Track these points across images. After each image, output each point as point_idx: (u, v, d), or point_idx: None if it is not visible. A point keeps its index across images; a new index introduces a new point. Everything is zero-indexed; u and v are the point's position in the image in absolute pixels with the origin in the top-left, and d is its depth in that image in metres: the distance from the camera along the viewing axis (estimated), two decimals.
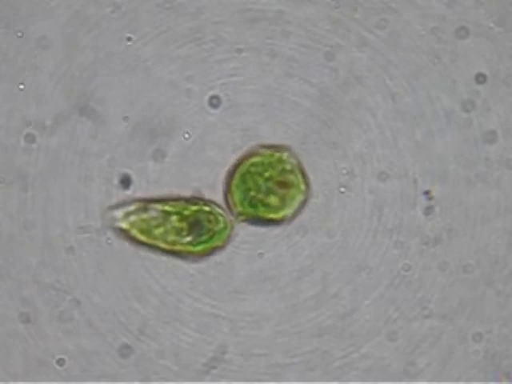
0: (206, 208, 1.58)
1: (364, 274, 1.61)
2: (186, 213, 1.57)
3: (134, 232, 1.57)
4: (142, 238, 1.58)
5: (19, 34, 1.61)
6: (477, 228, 1.61)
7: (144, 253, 1.60)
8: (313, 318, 1.62)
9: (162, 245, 1.58)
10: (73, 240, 1.61)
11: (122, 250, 1.61)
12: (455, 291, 1.61)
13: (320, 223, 1.61)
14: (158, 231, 1.58)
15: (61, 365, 1.61)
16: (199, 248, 1.58)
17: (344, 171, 1.60)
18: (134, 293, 1.61)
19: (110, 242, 1.60)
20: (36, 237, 1.61)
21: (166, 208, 1.57)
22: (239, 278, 1.62)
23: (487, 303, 1.61)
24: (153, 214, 1.57)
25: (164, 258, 1.61)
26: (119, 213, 1.58)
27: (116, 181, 1.60)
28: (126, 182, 1.60)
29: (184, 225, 1.57)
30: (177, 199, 1.59)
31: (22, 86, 1.61)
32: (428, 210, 1.61)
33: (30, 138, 1.60)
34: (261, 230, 1.61)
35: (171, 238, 1.57)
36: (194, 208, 1.58)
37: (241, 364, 1.61)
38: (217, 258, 1.61)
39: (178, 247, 1.58)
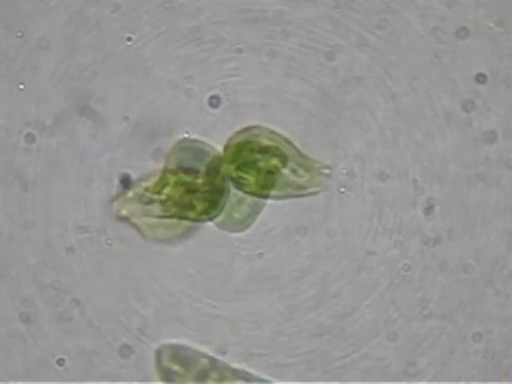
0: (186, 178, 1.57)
1: (364, 274, 1.61)
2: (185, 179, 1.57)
3: (134, 220, 1.58)
4: (141, 223, 1.58)
5: (19, 34, 1.61)
6: (477, 228, 1.61)
7: (144, 252, 1.61)
8: (313, 318, 1.62)
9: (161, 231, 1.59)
10: (73, 240, 1.61)
11: (122, 250, 1.61)
12: (455, 291, 1.61)
13: (320, 223, 1.61)
14: (155, 220, 1.58)
15: (61, 365, 1.61)
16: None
17: (344, 171, 1.60)
18: (134, 293, 1.61)
19: (109, 242, 1.61)
20: (36, 237, 1.61)
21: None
22: (239, 278, 1.62)
23: (487, 303, 1.61)
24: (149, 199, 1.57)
25: (164, 258, 1.61)
26: (119, 202, 1.58)
27: (116, 181, 1.60)
28: (125, 181, 1.60)
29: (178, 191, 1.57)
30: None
31: (21, 86, 1.61)
32: (428, 210, 1.61)
33: (30, 138, 1.60)
34: (260, 230, 1.61)
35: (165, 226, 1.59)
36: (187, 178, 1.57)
37: (241, 364, 1.61)
38: (217, 257, 1.61)
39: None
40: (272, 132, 1.57)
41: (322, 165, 1.57)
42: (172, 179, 1.55)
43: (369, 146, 1.61)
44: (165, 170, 1.56)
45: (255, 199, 1.58)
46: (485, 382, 1.61)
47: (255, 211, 1.59)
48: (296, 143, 1.58)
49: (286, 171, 1.55)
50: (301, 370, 1.62)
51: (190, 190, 1.55)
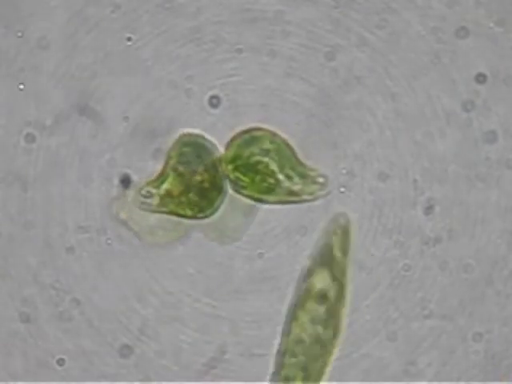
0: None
1: (364, 274, 1.61)
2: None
3: (133, 225, 1.58)
4: (140, 227, 1.58)
5: (19, 34, 1.61)
6: (477, 228, 1.61)
7: (144, 252, 1.61)
8: None
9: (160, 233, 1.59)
10: (73, 240, 1.61)
11: (122, 250, 1.61)
12: (455, 291, 1.61)
13: (320, 223, 1.61)
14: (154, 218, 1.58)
15: (61, 365, 1.61)
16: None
17: (344, 171, 1.60)
18: (134, 293, 1.61)
19: (109, 242, 1.61)
20: (36, 237, 1.61)
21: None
22: (239, 278, 1.62)
23: (487, 303, 1.61)
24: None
25: (164, 258, 1.61)
26: (119, 204, 1.58)
27: (116, 181, 1.60)
28: (125, 181, 1.60)
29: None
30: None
31: (21, 86, 1.61)
32: (428, 210, 1.61)
33: (30, 138, 1.60)
34: (260, 230, 1.61)
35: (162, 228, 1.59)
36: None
37: (241, 364, 1.61)
38: (217, 257, 1.61)
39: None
40: (274, 134, 1.57)
41: (318, 173, 1.57)
42: (171, 175, 1.55)
43: (369, 146, 1.61)
44: (165, 166, 1.56)
45: (247, 209, 1.59)
46: (485, 382, 1.61)
47: (248, 220, 1.59)
48: (296, 143, 1.58)
49: (281, 177, 1.55)
50: None
51: (189, 187, 1.55)
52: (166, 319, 1.62)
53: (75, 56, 1.61)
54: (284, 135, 1.58)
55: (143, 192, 1.55)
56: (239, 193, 1.57)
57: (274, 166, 1.55)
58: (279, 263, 1.62)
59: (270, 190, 1.56)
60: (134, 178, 1.60)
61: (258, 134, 1.57)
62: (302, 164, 1.57)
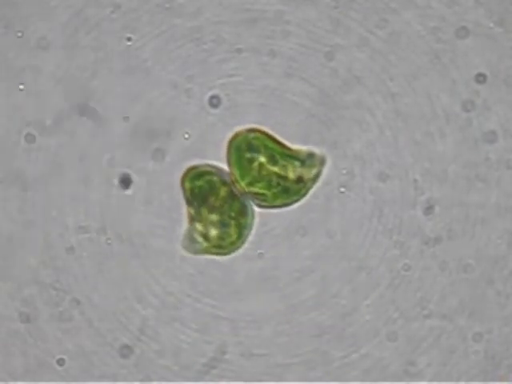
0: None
1: (364, 274, 1.61)
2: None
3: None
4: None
5: (19, 34, 1.61)
6: (477, 228, 1.61)
7: (144, 252, 1.61)
8: (313, 318, 1.62)
9: None
10: (73, 240, 1.61)
11: (122, 250, 1.61)
12: (455, 291, 1.61)
13: (320, 223, 1.61)
14: None
15: (61, 365, 1.61)
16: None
17: (344, 171, 1.60)
18: (134, 293, 1.62)
19: (109, 242, 1.61)
20: (36, 237, 1.61)
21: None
22: (239, 278, 1.62)
23: (487, 303, 1.61)
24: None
25: (164, 258, 1.61)
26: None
27: (116, 181, 1.60)
28: (125, 181, 1.60)
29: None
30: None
31: (21, 86, 1.61)
32: (428, 210, 1.61)
33: (30, 138, 1.60)
34: (260, 230, 1.61)
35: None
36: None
37: (241, 364, 1.61)
38: (217, 258, 1.61)
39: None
40: (251, 130, 1.58)
41: (306, 150, 1.58)
42: (200, 225, 1.57)
43: (369, 146, 1.61)
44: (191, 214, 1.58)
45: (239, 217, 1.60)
46: (485, 382, 1.61)
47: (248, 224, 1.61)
48: (295, 143, 1.59)
49: (280, 170, 1.56)
50: (301, 370, 1.62)
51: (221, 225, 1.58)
52: (166, 319, 1.62)
53: (75, 56, 1.61)
54: (284, 135, 1.59)
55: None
56: (263, 207, 1.58)
57: (272, 166, 1.56)
58: (279, 263, 1.62)
59: (285, 191, 1.57)
60: (134, 178, 1.60)
61: (238, 139, 1.58)
62: (289, 148, 1.58)
